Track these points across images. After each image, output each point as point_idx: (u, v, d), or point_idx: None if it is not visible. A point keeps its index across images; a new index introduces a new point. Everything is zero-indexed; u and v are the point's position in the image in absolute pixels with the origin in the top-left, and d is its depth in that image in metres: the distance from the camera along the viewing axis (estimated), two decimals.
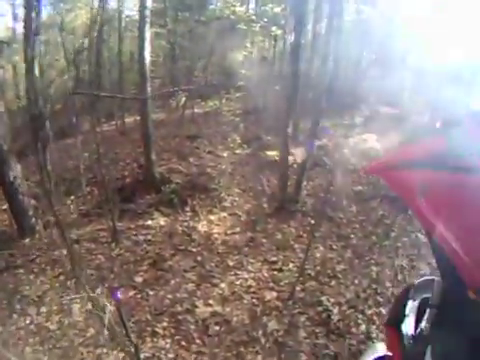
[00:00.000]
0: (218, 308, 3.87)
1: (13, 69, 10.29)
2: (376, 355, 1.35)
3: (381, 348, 1.38)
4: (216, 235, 5.18)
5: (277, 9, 8.71)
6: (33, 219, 5.48)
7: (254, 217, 5.55)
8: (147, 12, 6.24)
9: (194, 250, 4.87)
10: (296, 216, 5.45)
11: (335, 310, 3.70)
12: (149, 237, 5.19)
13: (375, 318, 3.56)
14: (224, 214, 5.74)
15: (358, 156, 6.25)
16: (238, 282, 4.24)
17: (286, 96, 5.55)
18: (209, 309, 3.86)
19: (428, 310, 1.04)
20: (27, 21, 5.30)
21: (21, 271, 4.68)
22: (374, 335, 3.37)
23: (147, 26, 6.25)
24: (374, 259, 4.41)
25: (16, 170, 5.31)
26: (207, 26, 9.18)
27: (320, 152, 6.83)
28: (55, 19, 9.79)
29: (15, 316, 3.93)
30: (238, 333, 3.55)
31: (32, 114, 5.39)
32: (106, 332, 2.93)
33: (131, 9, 10.45)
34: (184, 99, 8.85)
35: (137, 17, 7.58)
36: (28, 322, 3.85)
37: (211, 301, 3.97)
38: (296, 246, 4.81)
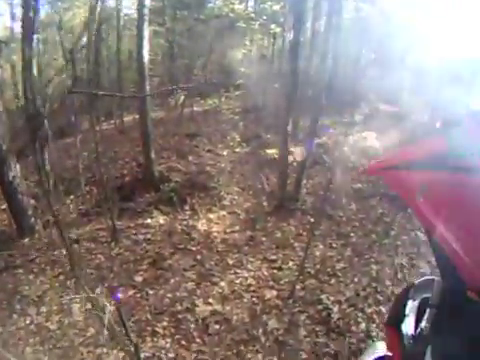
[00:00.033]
0: (218, 307, 3.87)
1: (11, 69, 10.27)
2: (376, 355, 1.36)
3: (381, 347, 1.38)
4: (216, 234, 5.18)
5: (276, 7, 8.64)
6: (32, 219, 5.48)
7: (254, 215, 5.55)
8: (145, 10, 6.24)
9: (194, 249, 4.87)
10: (296, 214, 5.45)
11: (335, 308, 3.70)
12: (148, 236, 5.19)
13: (375, 316, 3.56)
14: (223, 212, 5.73)
15: (358, 154, 6.24)
16: (238, 281, 4.24)
17: (285, 94, 5.54)
18: (209, 308, 3.86)
19: (428, 310, 1.04)
20: (25, 20, 5.27)
21: (21, 271, 4.68)
22: (374, 333, 3.37)
23: (145, 24, 6.23)
24: (374, 257, 4.40)
25: (15, 170, 5.30)
26: (206, 24, 9.16)
27: (320, 150, 6.81)
28: (53, 18, 9.76)
29: (15, 316, 3.93)
30: (238, 332, 3.55)
31: (30, 113, 5.38)
32: (106, 332, 2.92)
33: (129, 7, 10.41)
34: (183, 97, 8.81)
35: (135, 15, 7.55)
36: (28, 322, 3.85)
37: (211, 300, 3.97)
38: (296, 244, 4.81)
